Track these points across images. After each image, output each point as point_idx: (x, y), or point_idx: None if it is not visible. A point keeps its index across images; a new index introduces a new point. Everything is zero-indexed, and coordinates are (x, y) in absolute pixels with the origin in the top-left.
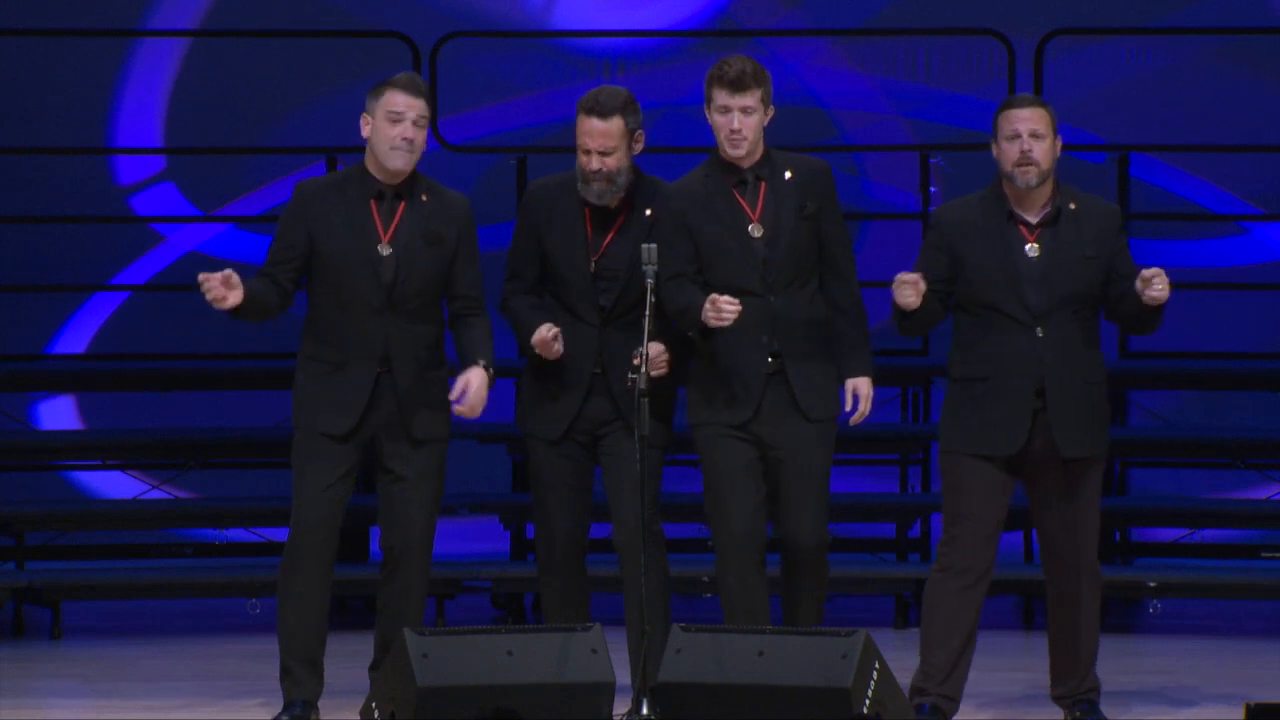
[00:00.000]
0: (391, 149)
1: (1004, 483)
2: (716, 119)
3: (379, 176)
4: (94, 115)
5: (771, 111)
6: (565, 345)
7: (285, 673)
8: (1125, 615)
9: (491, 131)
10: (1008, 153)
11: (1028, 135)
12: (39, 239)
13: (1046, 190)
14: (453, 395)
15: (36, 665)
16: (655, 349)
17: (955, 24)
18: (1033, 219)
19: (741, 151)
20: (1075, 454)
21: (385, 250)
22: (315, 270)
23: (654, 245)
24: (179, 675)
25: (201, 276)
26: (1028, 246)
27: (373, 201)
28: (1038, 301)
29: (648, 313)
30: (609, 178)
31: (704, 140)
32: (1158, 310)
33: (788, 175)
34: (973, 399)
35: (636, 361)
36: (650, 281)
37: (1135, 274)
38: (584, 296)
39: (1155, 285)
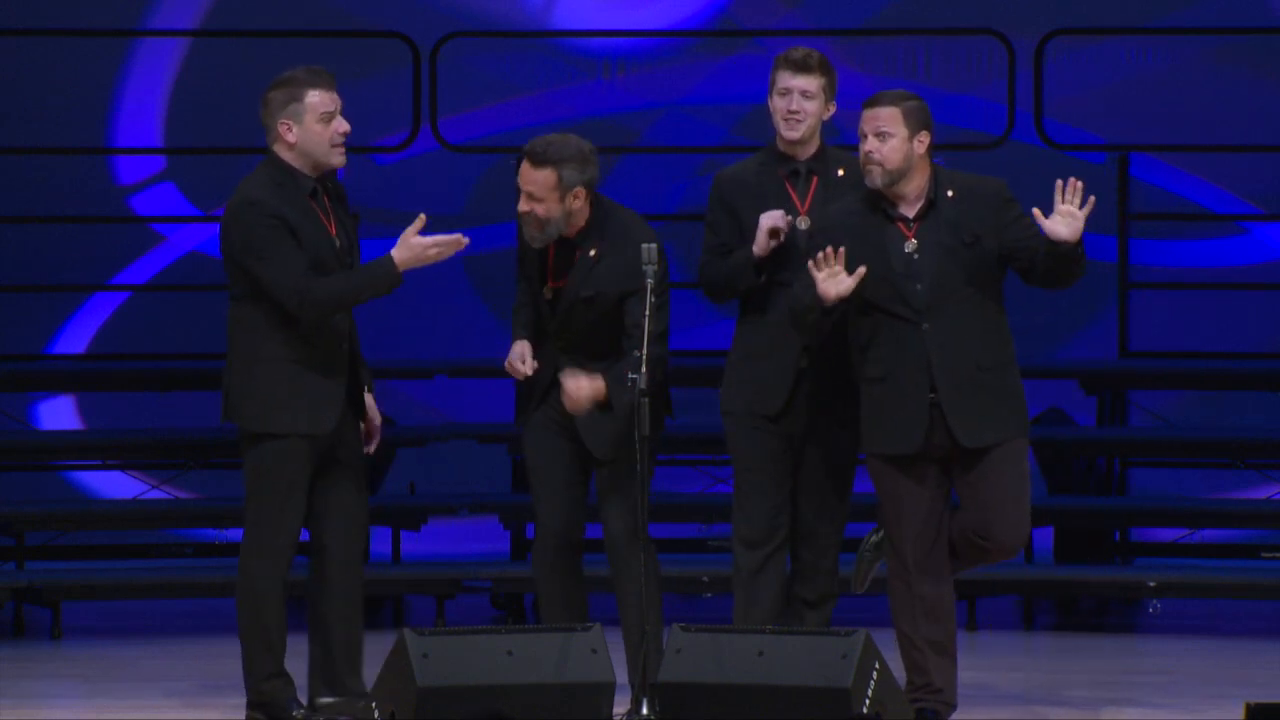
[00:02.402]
0: (333, 147)
1: (933, 481)
2: (776, 101)
3: (309, 173)
4: (94, 115)
5: (833, 108)
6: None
7: (275, 675)
8: (1125, 615)
9: (491, 131)
10: (860, 154)
11: (872, 135)
12: (39, 239)
13: (919, 183)
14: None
15: (36, 665)
16: (596, 386)
17: (955, 24)
18: (909, 214)
19: (797, 134)
20: (975, 443)
21: (338, 242)
22: None
23: (654, 245)
24: (179, 675)
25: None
26: (905, 243)
27: (309, 198)
28: (920, 297)
29: (647, 312)
30: (539, 224)
31: (704, 140)
32: (1068, 254)
33: (840, 172)
34: (876, 399)
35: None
36: (650, 281)
37: (1037, 236)
38: (543, 314)
39: (1057, 218)
